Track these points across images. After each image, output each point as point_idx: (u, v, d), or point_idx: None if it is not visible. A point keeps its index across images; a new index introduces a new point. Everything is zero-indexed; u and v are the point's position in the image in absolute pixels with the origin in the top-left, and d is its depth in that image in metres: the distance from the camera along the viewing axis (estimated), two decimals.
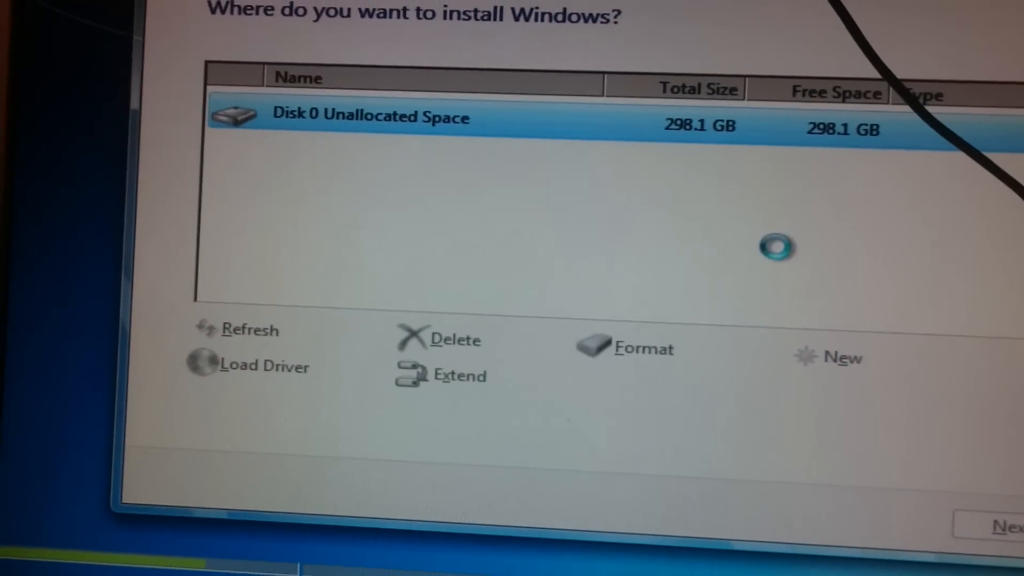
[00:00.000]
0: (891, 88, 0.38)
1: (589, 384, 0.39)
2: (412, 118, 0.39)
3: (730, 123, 0.38)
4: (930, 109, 0.37)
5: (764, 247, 0.38)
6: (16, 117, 0.41)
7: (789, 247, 0.38)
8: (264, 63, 0.40)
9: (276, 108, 0.40)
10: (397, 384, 0.39)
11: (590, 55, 0.39)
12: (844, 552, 0.38)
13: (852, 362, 0.38)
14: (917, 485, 0.38)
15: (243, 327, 0.40)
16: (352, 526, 0.40)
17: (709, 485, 0.38)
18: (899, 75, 0.38)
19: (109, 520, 0.41)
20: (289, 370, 0.40)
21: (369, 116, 0.39)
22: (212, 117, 0.40)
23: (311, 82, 0.40)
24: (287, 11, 0.40)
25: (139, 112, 0.40)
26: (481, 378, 0.39)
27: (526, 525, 0.39)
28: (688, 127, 0.38)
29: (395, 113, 0.39)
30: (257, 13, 0.40)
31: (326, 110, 0.40)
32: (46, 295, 0.40)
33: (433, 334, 0.39)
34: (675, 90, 0.38)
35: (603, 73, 0.39)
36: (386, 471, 0.39)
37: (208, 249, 0.40)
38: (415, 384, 0.39)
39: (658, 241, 0.38)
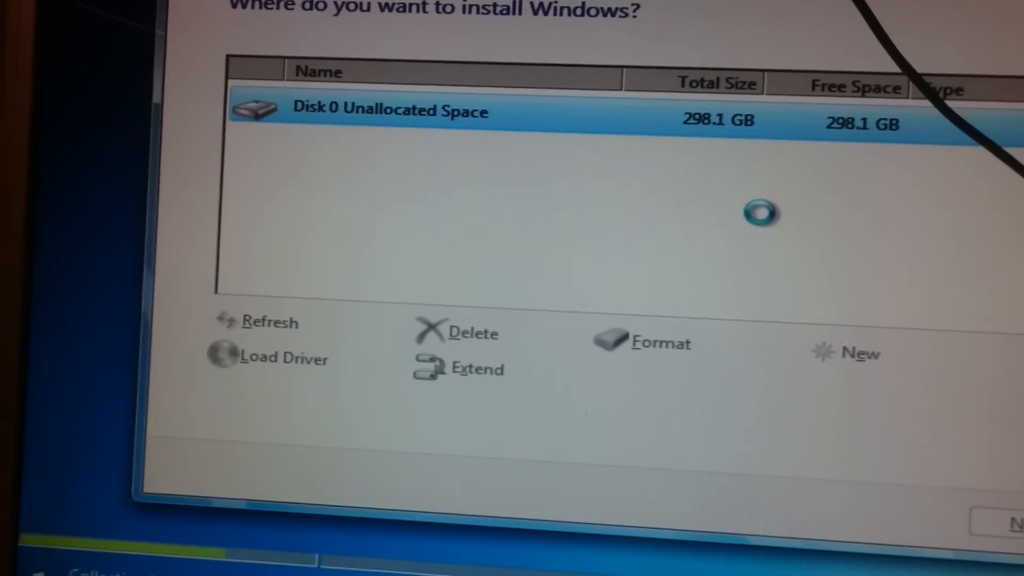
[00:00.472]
0: (911, 82, 0.37)
1: (606, 378, 0.39)
2: (431, 112, 0.40)
3: (749, 117, 0.38)
4: (950, 104, 0.37)
5: (781, 241, 0.38)
6: (40, 110, 0.41)
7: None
8: (284, 57, 0.40)
9: (296, 102, 0.40)
10: (415, 377, 0.40)
11: (609, 49, 0.39)
12: (860, 548, 0.38)
13: (870, 358, 0.38)
14: (934, 482, 0.37)
15: (263, 319, 0.40)
16: (370, 517, 0.40)
17: (725, 480, 0.38)
18: (919, 69, 0.37)
19: (130, 509, 0.41)
20: (308, 362, 0.40)
21: (388, 110, 0.40)
22: (233, 111, 0.40)
23: (331, 76, 0.40)
24: (307, 5, 0.40)
25: (161, 106, 0.41)
26: (499, 371, 0.39)
27: (541, 518, 0.39)
28: (707, 121, 0.38)
29: (414, 107, 0.40)
30: (278, 7, 0.40)
31: (346, 104, 0.40)
32: (69, 287, 0.41)
33: (451, 327, 0.39)
34: (693, 84, 0.38)
35: (622, 67, 0.39)
36: (403, 463, 0.40)
37: (229, 242, 0.40)
38: (433, 377, 0.40)
39: (676, 236, 0.38)
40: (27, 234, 0.41)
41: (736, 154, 0.38)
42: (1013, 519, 0.37)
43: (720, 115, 0.38)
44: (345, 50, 0.40)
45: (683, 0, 0.38)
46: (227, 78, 0.40)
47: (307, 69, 0.40)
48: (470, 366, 0.39)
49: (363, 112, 0.40)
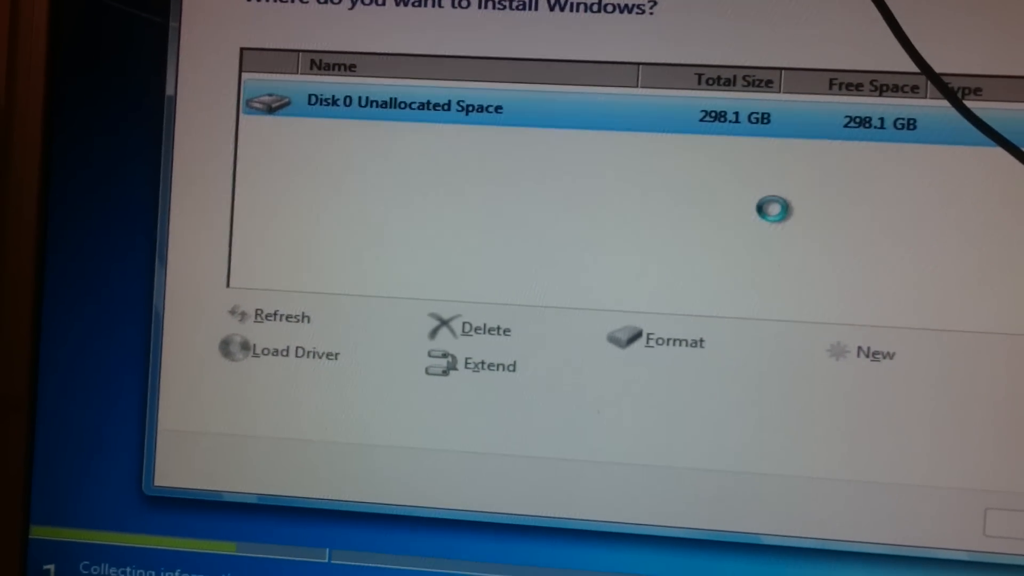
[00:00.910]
0: (929, 82, 0.37)
1: (619, 376, 0.39)
2: (446, 107, 0.39)
3: (765, 116, 0.38)
4: (968, 104, 0.37)
5: (796, 240, 0.38)
6: (53, 102, 0.41)
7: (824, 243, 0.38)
8: (299, 50, 0.40)
9: (310, 96, 0.40)
10: (427, 373, 0.39)
11: (625, 46, 0.39)
12: (874, 549, 0.38)
13: (885, 358, 0.37)
14: (949, 483, 0.37)
15: (275, 313, 0.40)
16: (380, 513, 0.40)
17: (739, 479, 0.38)
18: (937, 69, 0.37)
19: (142, 503, 0.41)
20: (320, 357, 0.40)
21: (403, 105, 0.40)
22: (247, 104, 0.40)
23: (345, 70, 0.40)
24: None
25: (175, 98, 0.40)
26: (511, 368, 0.39)
27: (554, 515, 0.39)
28: (723, 119, 0.38)
29: (429, 102, 0.39)
30: (292, 1, 0.40)
31: (360, 98, 0.40)
32: (81, 280, 0.41)
33: (464, 323, 0.39)
34: (710, 82, 0.38)
35: (638, 64, 0.38)
36: (415, 459, 0.40)
37: (241, 236, 0.40)
38: (445, 373, 0.39)
39: (690, 234, 0.38)
40: (39, 227, 0.41)
41: (752, 152, 0.38)
42: None
43: (736, 113, 0.38)
44: (360, 44, 0.40)
45: None
46: (241, 71, 0.40)
47: (321, 63, 0.40)
48: (482, 362, 0.39)
49: (377, 107, 0.40)
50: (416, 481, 0.40)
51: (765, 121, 0.38)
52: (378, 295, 0.40)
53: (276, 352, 0.40)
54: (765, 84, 0.38)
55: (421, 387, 0.40)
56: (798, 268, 0.38)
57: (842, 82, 0.38)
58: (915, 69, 0.37)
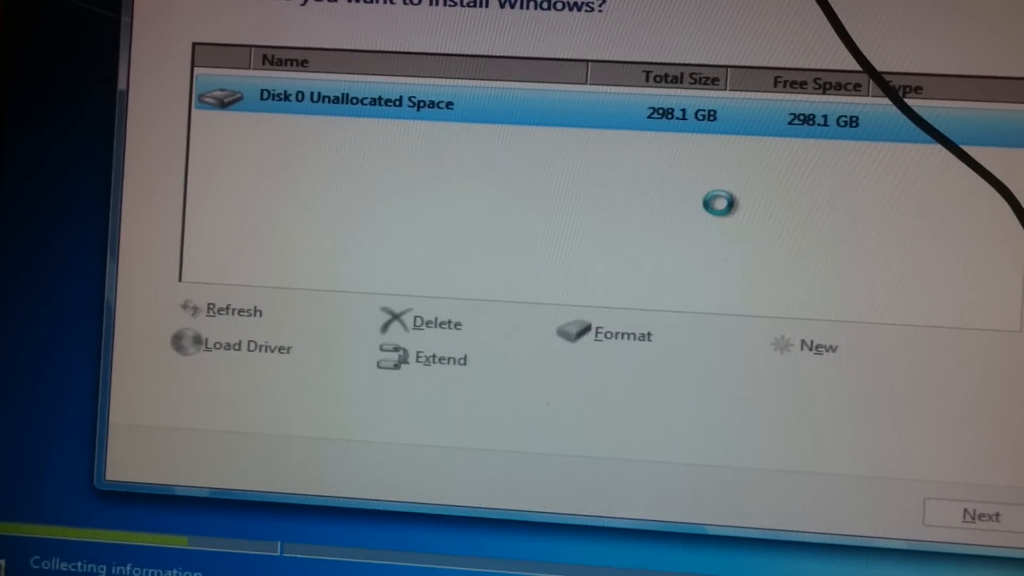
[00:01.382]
0: (871, 81, 0.38)
1: (569, 369, 0.39)
2: (397, 103, 0.40)
3: (711, 113, 0.39)
4: (909, 102, 0.38)
5: (742, 235, 0.38)
6: (4, 97, 0.41)
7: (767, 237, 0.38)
8: (251, 46, 0.40)
9: (263, 91, 0.40)
10: (379, 367, 0.40)
11: (574, 43, 0.39)
12: (816, 538, 0.38)
13: (828, 351, 0.38)
14: (889, 473, 0.38)
15: (227, 308, 0.40)
16: (333, 506, 0.40)
17: (686, 470, 0.39)
18: (879, 68, 0.38)
19: (93, 497, 0.41)
20: (272, 351, 0.40)
21: (355, 100, 0.40)
22: (199, 99, 0.40)
23: (297, 65, 0.40)
24: None
25: (126, 93, 0.40)
26: (462, 362, 0.39)
27: (503, 507, 0.39)
28: (670, 116, 0.39)
29: (380, 98, 0.40)
30: None
31: (312, 94, 0.40)
32: (32, 274, 0.41)
33: (415, 317, 0.40)
34: (658, 79, 0.39)
35: (587, 61, 0.39)
36: (367, 452, 0.40)
37: (193, 230, 0.40)
38: (396, 367, 0.40)
39: (638, 229, 0.39)
40: None
41: (699, 148, 0.39)
42: (966, 510, 0.38)
43: (684, 110, 0.39)
44: (312, 40, 0.40)
45: None
46: (193, 66, 0.40)
47: (274, 58, 0.40)
48: (433, 356, 0.40)
49: (329, 102, 0.40)
50: (368, 474, 0.40)
51: (711, 118, 0.39)
52: (330, 289, 0.40)
53: (228, 346, 0.40)
54: (711, 82, 0.39)
55: (373, 381, 0.40)
56: (743, 262, 0.38)
57: (786, 80, 0.38)
58: (858, 68, 0.38)
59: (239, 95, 0.40)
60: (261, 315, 0.40)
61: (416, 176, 0.39)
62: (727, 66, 0.38)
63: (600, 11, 0.39)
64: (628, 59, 0.39)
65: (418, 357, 0.40)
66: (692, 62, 0.39)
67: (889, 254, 0.38)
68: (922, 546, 0.38)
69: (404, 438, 0.40)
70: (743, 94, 0.38)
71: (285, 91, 0.40)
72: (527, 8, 0.39)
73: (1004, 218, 0.38)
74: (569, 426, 0.39)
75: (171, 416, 0.40)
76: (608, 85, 0.39)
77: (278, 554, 0.41)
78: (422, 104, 0.40)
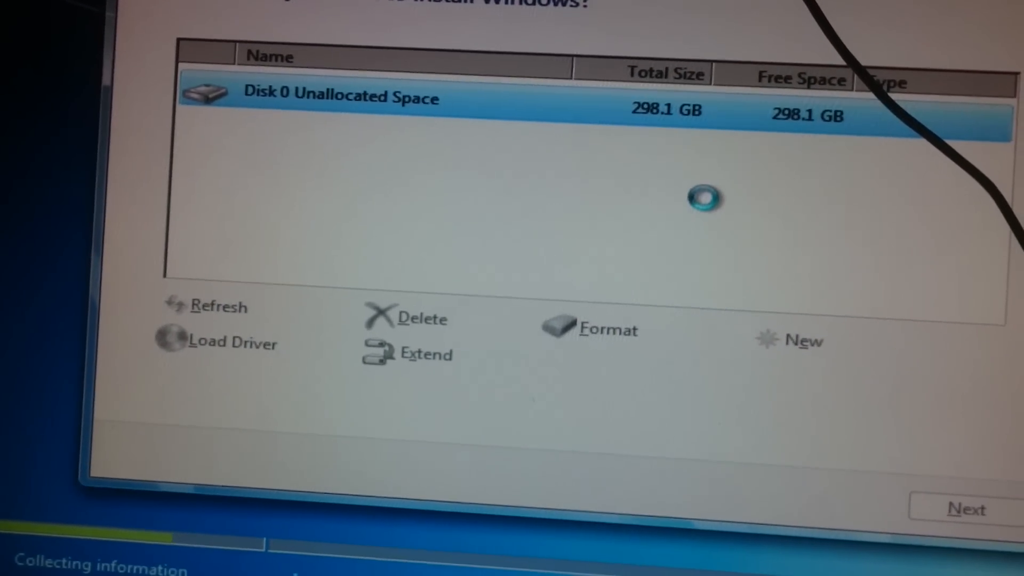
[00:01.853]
0: (855, 75, 0.38)
1: (554, 364, 0.39)
2: (382, 98, 0.40)
3: (696, 107, 0.39)
4: (894, 96, 0.38)
5: (727, 230, 0.38)
6: None
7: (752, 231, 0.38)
8: (236, 41, 0.40)
9: (247, 86, 0.40)
10: (364, 362, 0.40)
11: (559, 38, 0.39)
12: (802, 532, 0.38)
13: (813, 345, 0.38)
14: (874, 467, 0.38)
15: (212, 303, 0.40)
16: (318, 502, 0.40)
17: (670, 465, 0.39)
18: (864, 62, 0.38)
19: (77, 493, 0.41)
20: (257, 347, 0.40)
21: (339, 95, 0.40)
22: (183, 94, 0.40)
23: (282, 61, 0.40)
24: None
25: (111, 88, 0.40)
26: (447, 357, 0.39)
27: (490, 503, 0.39)
28: (655, 111, 0.39)
29: (365, 93, 0.40)
30: None
31: (297, 89, 0.40)
32: (16, 270, 0.41)
33: (400, 312, 0.40)
34: (643, 74, 0.39)
35: (572, 56, 0.39)
36: (352, 448, 0.40)
37: (178, 226, 0.40)
38: (382, 362, 0.40)
39: (624, 223, 0.39)
40: None
41: (683, 143, 0.39)
42: (951, 504, 0.38)
43: (668, 105, 0.39)
44: (297, 35, 0.40)
45: None
46: (177, 61, 0.40)
47: (258, 53, 0.40)
48: (419, 351, 0.40)
49: (314, 97, 0.40)
50: (353, 470, 0.40)
51: (696, 113, 0.39)
52: (315, 284, 0.40)
53: (213, 342, 0.40)
54: (696, 76, 0.39)
55: (358, 376, 0.40)
56: (728, 256, 0.38)
57: (771, 75, 0.38)
58: (842, 62, 0.38)
59: (224, 90, 0.40)
60: (246, 311, 0.40)
61: (401, 171, 0.39)
62: (712, 61, 0.39)
63: (585, 6, 0.39)
64: (613, 54, 0.39)
65: (404, 352, 0.40)
66: (677, 57, 0.39)
67: (874, 248, 0.38)
68: (908, 539, 0.38)
69: (390, 433, 0.40)
70: (728, 89, 0.38)
71: (270, 86, 0.40)
72: (512, 3, 0.39)
73: (988, 212, 0.38)
74: (555, 421, 0.39)
75: (156, 412, 0.40)
76: (593, 80, 0.39)
77: (264, 550, 0.40)
78: (407, 99, 0.39)
